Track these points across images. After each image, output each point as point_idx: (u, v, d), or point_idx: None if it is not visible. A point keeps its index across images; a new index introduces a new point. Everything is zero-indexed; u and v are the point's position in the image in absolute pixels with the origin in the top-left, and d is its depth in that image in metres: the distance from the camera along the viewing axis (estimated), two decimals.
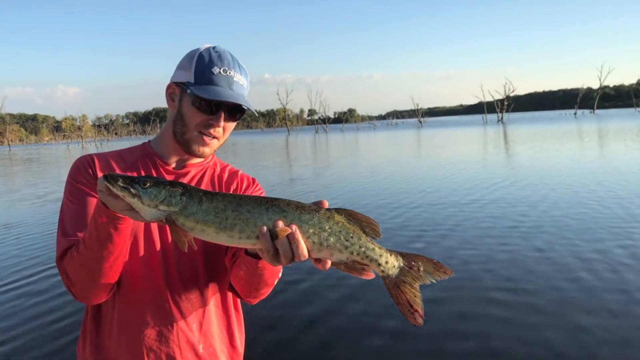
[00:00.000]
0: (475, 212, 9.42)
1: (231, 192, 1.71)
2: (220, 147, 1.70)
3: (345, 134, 73.47)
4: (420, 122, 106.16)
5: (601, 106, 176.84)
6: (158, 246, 1.58)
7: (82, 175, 1.58)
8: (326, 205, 1.24)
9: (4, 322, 5.33)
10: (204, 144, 1.61)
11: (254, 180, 1.82)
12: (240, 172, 1.82)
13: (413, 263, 1.26)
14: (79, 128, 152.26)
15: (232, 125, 1.66)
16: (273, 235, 1.18)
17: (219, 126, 1.59)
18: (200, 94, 1.52)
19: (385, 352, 4.12)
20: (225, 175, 1.77)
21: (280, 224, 1.19)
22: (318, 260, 1.25)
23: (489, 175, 14.81)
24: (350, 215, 1.23)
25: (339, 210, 1.23)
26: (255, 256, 1.42)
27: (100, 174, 1.57)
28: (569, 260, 6.22)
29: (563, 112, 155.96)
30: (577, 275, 5.68)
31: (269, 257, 1.22)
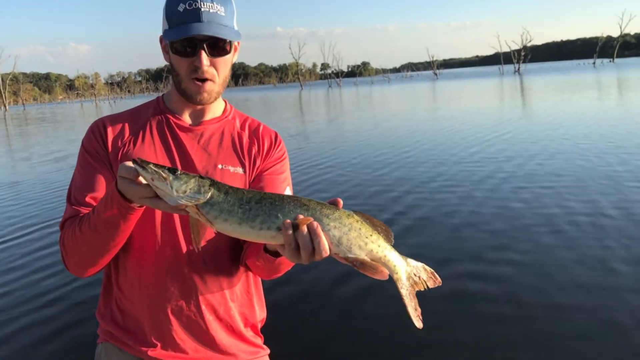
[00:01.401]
0: (467, 166, 9.36)
1: (253, 153, 1.64)
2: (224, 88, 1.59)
3: (359, 88, 72.79)
4: (436, 74, 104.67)
5: (621, 55, 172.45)
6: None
7: (91, 144, 1.55)
8: (341, 203, 1.26)
9: None
10: (199, 89, 1.51)
11: (276, 135, 1.72)
12: (261, 127, 1.72)
13: (417, 270, 1.31)
14: (92, 86, 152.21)
15: (223, 60, 1.52)
16: (294, 226, 1.20)
17: (202, 65, 1.47)
18: (167, 37, 1.47)
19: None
20: (245, 134, 1.67)
21: (302, 216, 1.21)
22: (336, 255, 1.25)
23: (489, 129, 14.65)
24: (367, 219, 1.25)
25: (356, 212, 1.26)
26: (274, 254, 1.42)
27: (110, 140, 1.55)
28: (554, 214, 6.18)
29: (582, 61, 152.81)
30: (559, 228, 5.69)
31: (290, 251, 1.22)
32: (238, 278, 1.65)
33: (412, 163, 10.33)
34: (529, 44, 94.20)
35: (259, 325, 1.74)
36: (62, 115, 51.71)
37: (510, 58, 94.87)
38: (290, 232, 1.20)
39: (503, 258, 5.04)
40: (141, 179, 1.23)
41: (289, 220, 1.20)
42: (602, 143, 10.91)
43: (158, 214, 1.51)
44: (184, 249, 1.53)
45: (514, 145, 11.48)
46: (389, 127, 17.69)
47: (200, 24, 1.43)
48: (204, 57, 1.46)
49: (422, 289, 1.30)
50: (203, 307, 1.56)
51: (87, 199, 1.50)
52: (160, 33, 1.55)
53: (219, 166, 1.57)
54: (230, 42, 1.51)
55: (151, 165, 1.19)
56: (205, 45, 1.46)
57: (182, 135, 1.59)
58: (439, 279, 1.32)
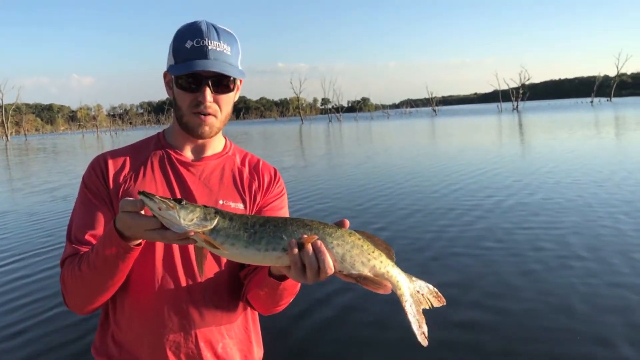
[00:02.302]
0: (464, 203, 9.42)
1: (253, 190, 1.67)
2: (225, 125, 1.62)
3: (359, 123, 73.24)
4: (435, 110, 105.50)
5: (618, 94, 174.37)
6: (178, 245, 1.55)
7: (92, 181, 1.56)
8: (347, 224, 1.29)
9: None
10: (201, 123, 1.53)
11: (275, 172, 1.75)
12: (261, 163, 1.75)
13: (420, 287, 1.33)
14: (94, 118, 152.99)
15: (226, 97, 1.55)
16: (300, 245, 1.24)
17: (206, 101, 1.50)
18: (173, 72, 1.50)
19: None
20: (246, 170, 1.69)
21: (306, 235, 1.25)
22: (340, 273, 1.28)
23: (478, 165, 14.74)
24: (369, 237, 1.30)
25: (358, 231, 1.30)
26: (279, 278, 1.44)
27: (112, 176, 1.56)
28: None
29: (579, 100, 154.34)
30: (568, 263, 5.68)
31: (295, 271, 1.25)
32: (237, 315, 1.65)
33: (395, 197, 10.42)
34: (527, 82, 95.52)
35: None
36: (62, 146, 51.86)
37: (509, 96, 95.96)
38: (296, 251, 1.23)
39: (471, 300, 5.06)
40: (146, 213, 1.25)
41: (294, 240, 1.24)
42: (592, 183, 10.98)
43: (158, 249, 1.53)
44: (184, 284, 1.54)
45: (498, 182, 11.49)
46: (380, 162, 17.78)
47: (207, 61, 1.47)
48: (208, 93, 1.49)
49: (427, 307, 1.32)
50: (202, 344, 1.55)
51: (87, 237, 1.50)
52: (165, 68, 1.59)
53: (220, 202, 1.59)
54: (233, 80, 1.54)
55: (157, 196, 1.22)
56: (209, 82, 1.49)
57: (183, 170, 1.60)
58: (442, 298, 1.34)
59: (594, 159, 14.69)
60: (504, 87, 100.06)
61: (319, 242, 1.24)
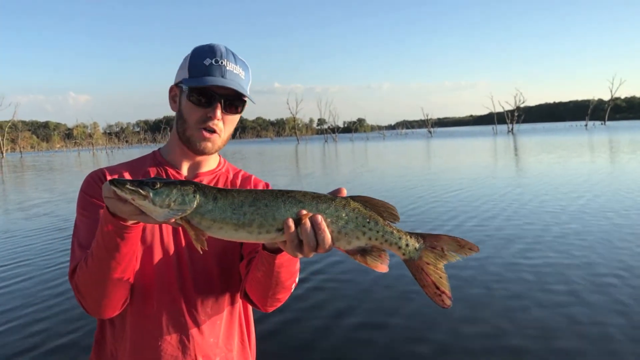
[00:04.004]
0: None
1: None
2: (226, 146, 1.65)
3: (355, 144, 73.54)
4: (430, 132, 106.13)
5: (612, 118, 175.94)
6: (172, 258, 1.55)
7: (94, 189, 1.56)
8: (344, 192, 1.23)
9: None
10: (205, 138, 1.55)
11: (267, 185, 1.77)
12: (253, 177, 1.78)
13: (435, 243, 1.23)
14: (90, 136, 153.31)
15: (232, 118, 1.59)
16: (296, 222, 1.17)
17: (216, 118, 1.53)
18: (190, 83, 1.51)
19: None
20: (239, 182, 1.74)
21: (303, 212, 1.18)
22: (338, 248, 1.24)
23: (487, 189, 14.75)
24: (367, 202, 1.22)
25: (354, 198, 1.22)
26: (274, 251, 1.38)
27: None
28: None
29: (574, 123, 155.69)
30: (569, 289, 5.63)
31: (292, 247, 1.20)
32: (234, 327, 1.66)
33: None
34: (522, 105, 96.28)
35: None
36: (55, 163, 51.75)
37: (504, 118, 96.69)
38: (293, 230, 1.18)
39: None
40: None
41: (291, 219, 1.17)
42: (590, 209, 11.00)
43: (153, 260, 1.52)
44: (182, 296, 1.54)
45: (478, 205, 11.54)
46: (364, 181, 17.84)
47: (224, 79, 1.51)
48: (219, 111, 1.53)
49: (454, 261, 1.22)
50: (200, 357, 1.55)
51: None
52: (171, 82, 1.63)
53: None
54: (242, 103, 1.58)
55: (128, 185, 1.15)
56: (222, 100, 1.53)
57: None
58: (473, 245, 1.23)
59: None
60: (499, 109, 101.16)
61: (318, 217, 1.17)
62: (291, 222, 1.17)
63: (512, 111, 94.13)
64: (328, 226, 1.19)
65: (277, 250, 1.38)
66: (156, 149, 1.74)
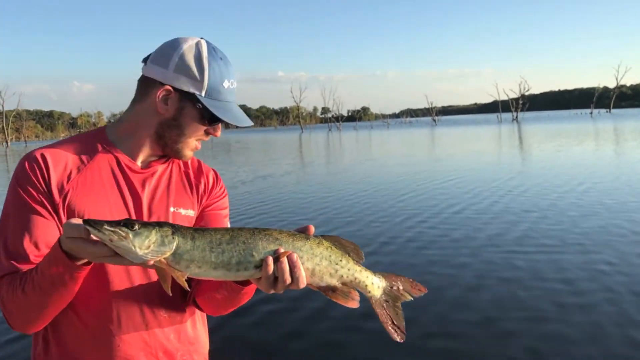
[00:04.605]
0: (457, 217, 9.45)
1: (200, 192, 1.64)
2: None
3: (359, 132, 73.36)
4: (434, 120, 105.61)
5: (618, 105, 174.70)
6: None
7: (29, 182, 1.40)
8: (312, 230, 1.29)
9: None
10: (195, 149, 1.57)
11: (216, 173, 1.74)
12: (202, 164, 1.73)
13: (393, 283, 1.33)
14: (94, 125, 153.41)
15: None
16: (274, 260, 1.22)
17: (217, 136, 1.59)
18: (223, 116, 1.47)
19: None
20: (191, 173, 1.66)
21: (280, 250, 1.23)
22: (310, 285, 1.28)
23: (489, 175, 14.79)
24: (336, 241, 1.29)
25: (325, 237, 1.29)
26: (242, 283, 1.39)
27: (54, 179, 1.41)
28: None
29: (579, 111, 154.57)
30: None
31: (267, 284, 1.24)
32: (187, 318, 1.60)
33: (375, 206, 10.47)
34: (527, 93, 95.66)
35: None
36: None
37: (509, 106, 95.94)
38: (272, 268, 1.22)
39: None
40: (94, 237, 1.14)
41: (270, 257, 1.21)
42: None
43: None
44: (135, 293, 1.47)
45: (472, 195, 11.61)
46: (365, 170, 17.87)
47: (235, 106, 1.53)
48: (220, 131, 1.56)
49: (408, 300, 1.33)
50: (160, 354, 1.51)
51: (27, 249, 1.36)
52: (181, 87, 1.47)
53: (171, 209, 1.55)
54: None
55: (106, 226, 1.11)
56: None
57: (133, 177, 1.52)
58: (422, 287, 1.35)
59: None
60: (504, 97, 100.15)
61: (294, 256, 1.22)
62: (270, 260, 1.21)
63: (516, 99, 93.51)
64: (303, 264, 1.24)
65: (246, 282, 1.39)
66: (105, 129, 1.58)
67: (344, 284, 1.27)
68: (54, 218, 1.40)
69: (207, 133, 1.54)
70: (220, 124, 1.53)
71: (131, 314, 1.46)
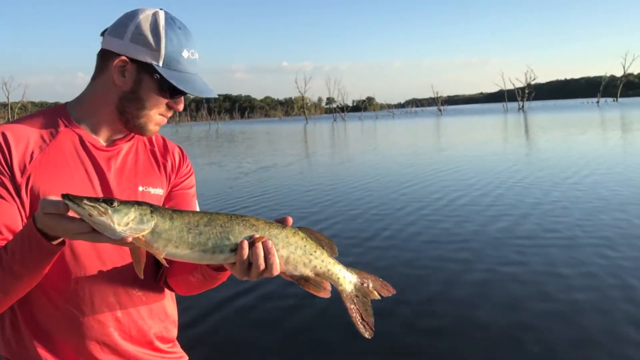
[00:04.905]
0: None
1: (168, 171, 1.62)
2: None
3: (364, 123, 73.26)
4: (440, 110, 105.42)
5: (625, 94, 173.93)
6: None
7: None
8: (290, 221, 1.30)
9: None
10: (159, 123, 1.50)
11: (182, 150, 1.71)
12: (167, 141, 1.68)
13: (364, 280, 1.36)
14: None
15: None
16: (250, 245, 1.22)
17: (179, 109, 1.51)
18: (182, 87, 1.41)
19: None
20: (157, 151, 1.63)
21: (256, 235, 1.23)
22: (283, 274, 1.29)
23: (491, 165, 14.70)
24: (311, 234, 1.31)
25: (301, 228, 1.31)
26: (217, 269, 1.42)
27: (16, 158, 1.36)
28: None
29: (585, 100, 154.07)
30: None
31: (241, 270, 1.25)
32: (162, 297, 1.60)
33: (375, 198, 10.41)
34: (533, 82, 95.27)
35: (175, 337, 1.68)
36: None
37: (515, 95, 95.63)
38: (246, 252, 1.22)
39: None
40: (72, 213, 1.13)
41: (246, 241, 1.22)
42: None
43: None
44: (103, 269, 1.44)
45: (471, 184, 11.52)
46: (368, 160, 17.83)
47: (197, 77, 1.47)
48: (182, 104, 1.50)
49: (376, 298, 1.36)
50: (134, 332, 1.50)
51: None
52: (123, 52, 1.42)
53: (140, 188, 1.52)
54: None
55: (85, 201, 1.10)
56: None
57: (98, 156, 1.47)
58: (391, 287, 1.38)
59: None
60: (510, 86, 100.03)
61: (269, 242, 1.24)
62: (245, 244, 1.21)
63: (522, 88, 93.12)
64: (279, 251, 1.25)
65: (220, 268, 1.40)
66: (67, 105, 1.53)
67: (316, 274, 1.29)
68: (15, 201, 1.36)
69: (169, 107, 1.49)
70: (182, 97, 1.48)
71: (104, 294, 1.44)
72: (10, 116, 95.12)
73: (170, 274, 1.56)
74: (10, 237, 1.30)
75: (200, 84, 1.46)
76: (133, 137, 1.57)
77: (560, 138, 23.87)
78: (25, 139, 1.40)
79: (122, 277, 1.47)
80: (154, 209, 1.19)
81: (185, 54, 1.44)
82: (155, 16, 1.43)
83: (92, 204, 1.10)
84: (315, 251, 1.28)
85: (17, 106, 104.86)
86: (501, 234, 7.13)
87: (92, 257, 1.42)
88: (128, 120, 1.47)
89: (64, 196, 1.11)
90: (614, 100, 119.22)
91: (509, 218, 8.03)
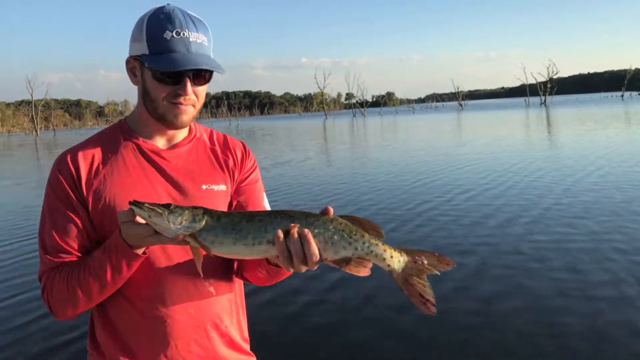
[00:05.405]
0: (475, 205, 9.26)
1: (230, 167, 1.65)
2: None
3: (383, 118, 73.04)
4: (461, 105, 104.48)
5: None
6: None
7: (60, 186, 1.47)
8: (331, 211, 1.31)
9: None
10: (180, 112, 1.48)
11: (244, 145, 1.73)
12: (229, 138, 1.72)
13: (417, 257, 1.33)
14: (121, 113, 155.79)
15: (203, 88, 1.52)
16: (285, 234, 1.27)
17: (187, 94, 1.46)
18: (157, 66, 1.41)
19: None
20: (218, 149, 1.67)
21: (292, 225, 1.28)
22: (326, 260, 1.30)
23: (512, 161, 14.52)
24: (354, 220, 1.31)
25: (343, 216, 1.32)
26: (277, 265, 1.46)
27: (83, 177, 1.48)
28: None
29: (609, 94, 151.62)
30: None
31: (283, 260, 1.28)
32: (232, 295, 1.66)
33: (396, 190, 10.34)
34: (555, 76, 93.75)
35: (247, 335, 1.75)
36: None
37: (537, 90, 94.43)
38: (282, 240, 1.26)
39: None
40: (139, 219, 1.28)
41: (280, 230, 1.27)
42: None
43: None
44: (181, 269, 1.51)
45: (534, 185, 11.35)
46: (386, 155, 17.74)
47: (190, 55, 1.42)
48: (189, 86, 1.45)
49: (435, 273, 1.33)
50: (207, 326, 1.56)
51: (65, 247, 1.45)
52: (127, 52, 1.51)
53: (203, 187, 1.57)
54: (211, 71, 1.49)
55: (146, 204, 1.26)
56: (190, 74, 1.45)
57: (158, 160, 1.55)
58: (450, 261, 1.34)
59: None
60: (532, 81, 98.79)
61: (305, 230, 1.26)
62: (280, 233, 1.26)
63: (544, 83, 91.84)
64: (314, 237, 1.27)
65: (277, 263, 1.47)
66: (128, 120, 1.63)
67: (359, 257, 1.29)
68: (81, 218, 1.47)
69: (177, 94, 1.46)
70: (186, 82, 1.44)
71: (177, 292, 1.51)
72: (34, 113, 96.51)
73: (244, 269, 1.64)
74: (78, 252, 1.46)
75: (181, 58, 1.41)
76: (192, 138, 1.63)
77: (584, 132, 23.51)
78: (89, 156, 1.52)
79: (193, 276, 1.52)
80: (206, 210, 1.32)
81: (167, 34, 1.41)
82: (146, 12, 1.48)
83: (151, 206, 1.26)
84: (355, 234, 1.29)
85: (41, 103, 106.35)
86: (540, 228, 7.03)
87: (163, 259, 1.50)
88: (154, 117, 1.52)
89: (130, 203, 1.27)
90: (639, 94, 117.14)
91: (530, 214, 7.93)
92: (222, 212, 1.34)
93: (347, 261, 1.28)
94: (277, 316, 4.71)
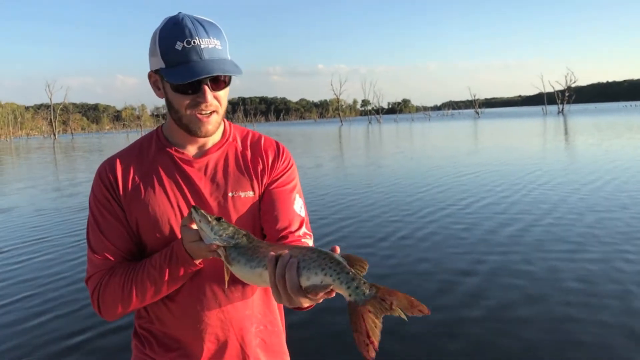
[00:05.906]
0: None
1: (259, 171, 1.64)
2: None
3: (399, 125, 72.85)
4: (478, 113, 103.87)
5: None
6: None
7: (102, 193, 1.56)
8: (337, 250, 1.22)
9: None
10: (203, 122, 1.49)
11: (278, 146, 1.71)
12: (263, 140, 1.70)
13: (387, 296, 1.19)
14: (138, 117, 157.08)
15: (224, 92, 1.51)
16: (276, 259, 1.27)
17: (207, 102, 1.45)
18: (173, 79, 1.42)
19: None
20: (249, 153, 1.65)
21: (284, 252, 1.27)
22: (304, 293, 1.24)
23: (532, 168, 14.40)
24: (344, 255, 1.23)
25: (331, 250, 1.25)
26: None
27: (121, 185, 1.56)
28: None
29: (628, 103, 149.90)
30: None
31: (272, 287, 1.25)
32: (263, 296, 1.70)
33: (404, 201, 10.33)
34: (573, 85, 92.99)
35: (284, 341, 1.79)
36: (104, 145, 53.14)
37: (554, 98, 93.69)
38: (273, 264, 1.23)
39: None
40: (194, 225, 1.38)
41: (273, 253, 1.27)
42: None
43: None
44: (212, 279, 1.58)
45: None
46: (398, 163, 17.67)
47: (203, 63, 1.41)
48: (208, 93, 1.45)
49: (398, 316, 1.18)
50: (235, 329, 1.61)
51: (110, 252, 1.53)
52: (149, 69, 1.53)
53: (230, 194, 1.58)
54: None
55: (201, 211, 1.37)
56: (208, 82, 1.44)
57: (188, 169, 1.58)
58: (423, 307, 1.17)
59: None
60: (549, 89, 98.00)
61: (288, 254, 1.23)
62: (272, 256, 1.24)
63: (562, 91, 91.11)
64: (299, 269, 1.20)
65: None
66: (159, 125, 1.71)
67: (325, 285, 1.20)
68: (122, 223, 1.55)
69: (197, 102, 1.46)
70: (204, 90, 1.44)
71: (209, 295, 1.58)
72: (52, 117, 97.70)
73: None
74: (125, 254, 1.55)
75: (199, 69, 1.40)
76: (225, 143, 1.65)
77: (600, 142, 23.25)
78: (127, 164, 1.60)
79: (222, 281, 1.53)
80: (247, 234, 1.38)
81: (178, 45, 1.41)
82: (160, 24, 1.50)
83: (204, 212, 1.37)
84: (331, 262, 1.20)
85: (59, 107, 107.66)
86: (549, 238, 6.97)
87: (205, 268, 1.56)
88: (181, 128, 1.55)
89: (192, 207, 1.38)
90: None
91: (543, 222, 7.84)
92: (259, 240, 1.38)
93: (314, 288, 1.20)
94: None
